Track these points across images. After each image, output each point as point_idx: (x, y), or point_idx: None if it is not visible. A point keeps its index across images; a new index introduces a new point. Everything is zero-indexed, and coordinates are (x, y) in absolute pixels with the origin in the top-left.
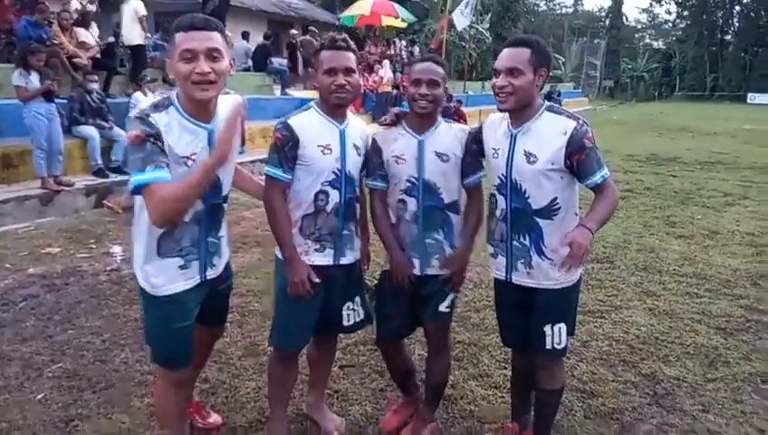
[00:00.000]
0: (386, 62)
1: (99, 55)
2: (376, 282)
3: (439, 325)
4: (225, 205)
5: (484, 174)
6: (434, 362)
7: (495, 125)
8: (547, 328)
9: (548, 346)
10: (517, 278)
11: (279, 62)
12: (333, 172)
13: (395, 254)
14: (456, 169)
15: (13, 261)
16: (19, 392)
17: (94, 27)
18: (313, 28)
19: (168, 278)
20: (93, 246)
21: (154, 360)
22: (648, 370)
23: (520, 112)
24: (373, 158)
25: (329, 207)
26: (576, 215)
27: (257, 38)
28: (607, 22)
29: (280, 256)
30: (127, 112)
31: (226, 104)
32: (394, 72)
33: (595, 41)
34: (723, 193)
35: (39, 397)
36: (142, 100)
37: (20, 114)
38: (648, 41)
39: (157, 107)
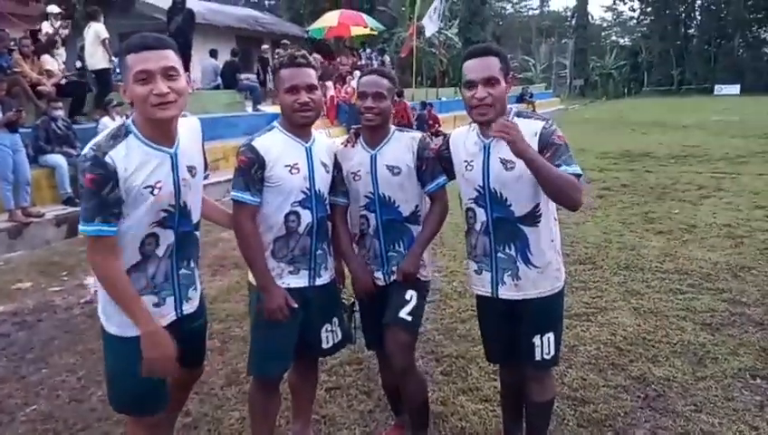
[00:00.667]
0: (357, 72)
1: (64, 81)
2: (352, 300)
3: (400, 337)
4: (197, 232)
5: (445, 180)
6: (403, 384)
7: (463, 137)
8: (536, 339)
9: (537, 357)
10: (504, 292)
11: (249, 78)
12: (302, 192)
13: (353, 268)
14: (411, 179)
15: None
16: None
17: (62, 52)
18: (286, 41)
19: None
20: (65, 278)
21: (120, 407)
22: (638, 372)
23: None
24: (335, 173)
25: (301, 228)
26: (556, 220)
27: (225, 55)
28: (573, 21)
29: (253, 282)
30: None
31: (186, 127)
32: None
33: (563, 41)
34: (697, 186)
35: None
36: (110, 125)
37: None
38: (614, 38)
39: (114, 138)
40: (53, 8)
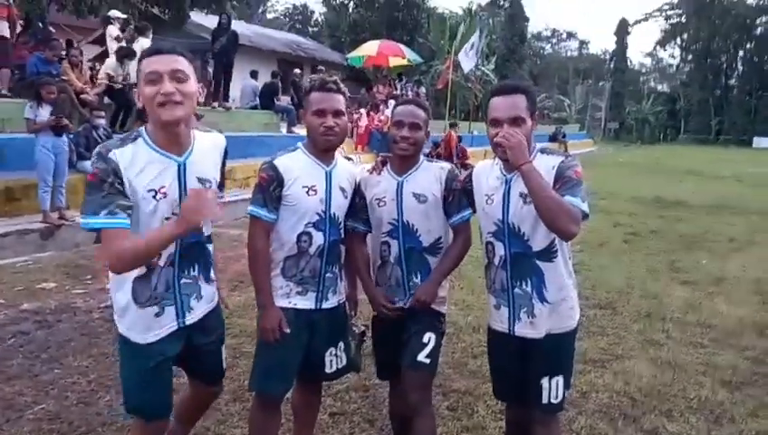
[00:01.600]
0: (391, 101)
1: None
2: (363, 328)
3: (418, 379)
4: (209, 245)
5: (470, 214)
6: (416, 424)
7: (487, 171)
8: (544, 381)
9: (545, 401)
10: (519, 329)
11: (286, 100)
12: (317, 214)
13: (370, 289)
14: (437, 209)
15: (7, 296)
16: None
17: (126, 62)
18: (321, 67)
19: (145, 326)
20: (89, 281)
21: (126, 408)
22: (650, 425)
23: None
24: (357, 200)
25: (312, 249)
26: (570, 259)
27: (266, 77)
28: (611, 65)
29: None
30: None
31: (208, 140)
32: None
33: (600, 83)
34: (729, 238)
35: None
36: None
37: (25, 148)
38: (652, 84)
39: (123, 140)
40: (116, 13)
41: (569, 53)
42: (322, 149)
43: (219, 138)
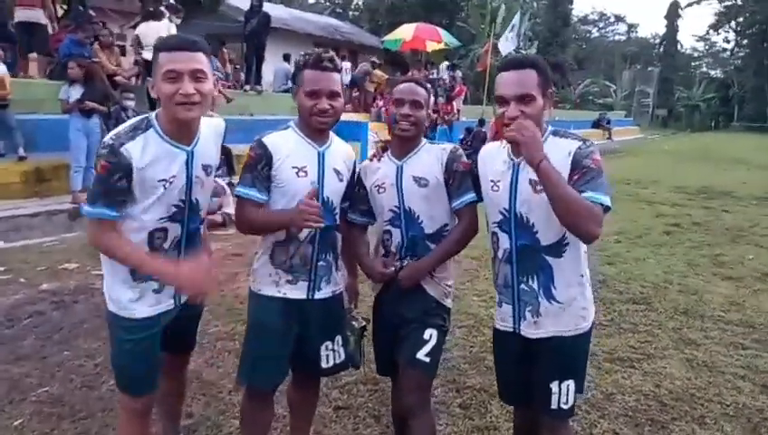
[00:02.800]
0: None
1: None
2: (363, 322)
3: (415, 379)
4: (201, 226)
5: (473, 197)
6: (412, 428)
7: (492, 155)
8: (553, 385)
9: (553, 406)
10: (525, 329)
11: None
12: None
13: (364, 263)
14: (439, 193)
15: (28, 275)
16: None
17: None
18: (374, 60)
19: (141, 301)
20: None
21: (118, 385)
22: (680, 432)
23: None
24: (357, 189)
25: (302, 235)
26: (585, 253)
27: None
28: (661, 49)
29: (254, 289)
30: None
31: (210, 126)
32: (435, 96)
33: (648, 68)
34: None
35: (16, 423)
36: None
37: (57, 129)
38: (704, 69)
39: (135, 129)
40: None
41: (617, 38)
42: (315, 130)
43: (219, 122)
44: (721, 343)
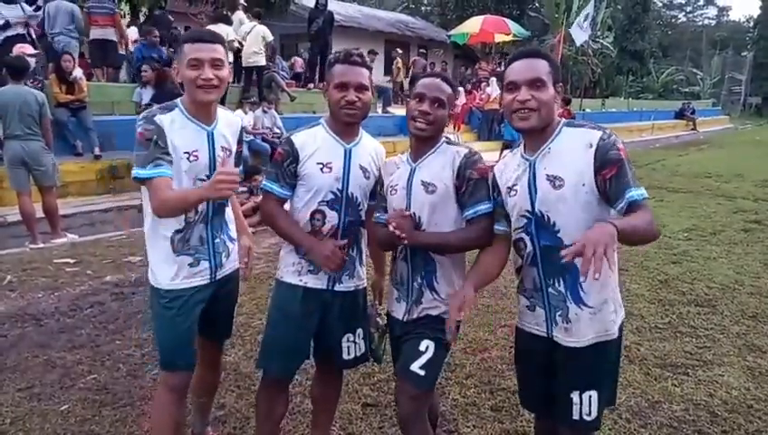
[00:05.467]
0: (493, 79)
1: None
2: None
3: (407, 392)
4: (227, 207)
5: (489, 208)
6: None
7: (506, 162)
8: (574, 395)
9: (575, 416)
10: (557, 334)
11: (385, 79)
12: (332, 192)
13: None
14: (447, 201)
15: (95, 268)
16: (48, 401)
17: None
18: (399, 50)
19: (178, 274)
20: None
21: (159, 362)
22: None
23: (539, 134)
24: (378, 188)
25: (325, 229)
26: (614, 250)
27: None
28: (755, 33)
29: (280, 277)
30: None
31: (228, 118)
32: (502, 90)
33: (742, 54)
34: None
35: (63, 408)
36: (242, 118)
37: (131, 130)
38: None
39: (163, 109)
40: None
41: (706, 22)
42: (344, 124)
43: (236, 117)
44: None
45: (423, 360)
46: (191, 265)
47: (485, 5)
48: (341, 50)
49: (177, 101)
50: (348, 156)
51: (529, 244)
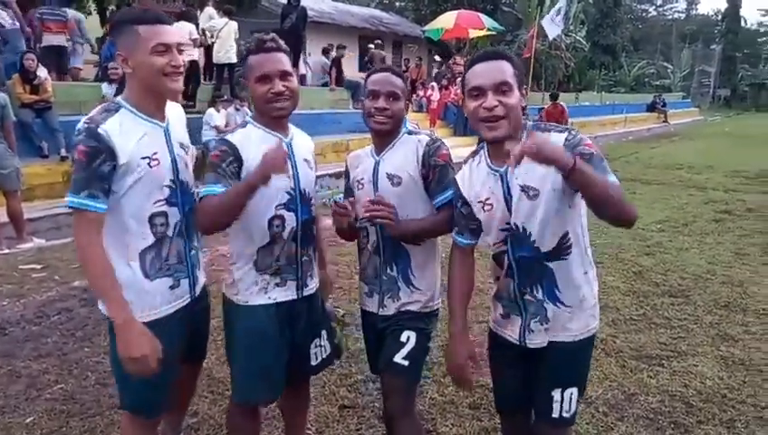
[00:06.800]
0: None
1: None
2: (343, 311)
3: (393, 384)
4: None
5: (455, 193)
6: (394, 432)
7: (470, 171)
8: (556, 393)
9: (555, 414)
10: (532, 340)
11: (354, 75)
12: (287, 193)
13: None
14: (414, 191)
15: (63, 273)
16: (12, 414)
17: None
18: (379, 41)
19: (160, 301)
20: None
21: (121, 404)
22: None
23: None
24: (345, 181)
25: (285, 234)
26: (588, 248)
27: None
28: (723, 26)
29: (228, 294)
30: (199, 128)
31: (173, 111)
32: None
33: (710, 47)
34: None
35: (28, 420)
36: (215, 116)
37: None
38: None
39: (107, 111)
40: None
41: (675, 15)
42: (275, 119)
43: (179, 107)
44: (762, 339)
45: (405, 351)
46: (171, 287)
47: (459, 0)
48: (251, 39)
49: (119, 99)
50: (291, 151)
51: (507, 256)
